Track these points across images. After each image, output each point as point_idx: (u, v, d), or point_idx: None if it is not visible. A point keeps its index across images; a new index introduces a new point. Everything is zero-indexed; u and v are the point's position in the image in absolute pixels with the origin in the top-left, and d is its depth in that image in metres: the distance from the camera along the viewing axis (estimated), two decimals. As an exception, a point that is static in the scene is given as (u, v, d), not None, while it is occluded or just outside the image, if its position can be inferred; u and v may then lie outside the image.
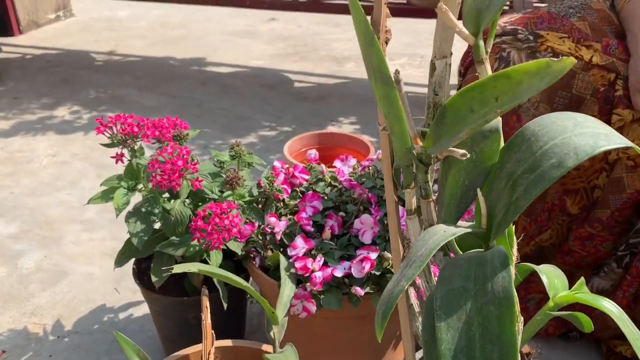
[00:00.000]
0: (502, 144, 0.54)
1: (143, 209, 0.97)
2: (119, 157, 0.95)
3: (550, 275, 0.67)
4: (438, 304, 0.48)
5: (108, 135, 0.96)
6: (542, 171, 0.48)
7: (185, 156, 0.89)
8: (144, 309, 1.27)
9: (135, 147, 0.97)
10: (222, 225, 0.86)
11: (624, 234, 1.08)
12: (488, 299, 0.47)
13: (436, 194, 0.61)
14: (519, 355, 0.45)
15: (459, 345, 0.46)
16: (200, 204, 0.99)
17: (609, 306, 0.61)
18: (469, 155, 0.49)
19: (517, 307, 0.48)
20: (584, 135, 0.49)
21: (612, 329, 1.09)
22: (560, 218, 1.14)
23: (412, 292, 0.70)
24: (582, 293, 0.65)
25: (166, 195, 1.03)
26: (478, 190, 0.53)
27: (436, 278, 0.63)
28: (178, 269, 0.73)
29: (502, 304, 0.46)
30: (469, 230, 0.54)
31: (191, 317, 1.02)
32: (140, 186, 0.98)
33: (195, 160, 0.91)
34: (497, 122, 0.54)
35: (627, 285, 1.05)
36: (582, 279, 0.66)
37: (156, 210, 0.96)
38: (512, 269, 0.58)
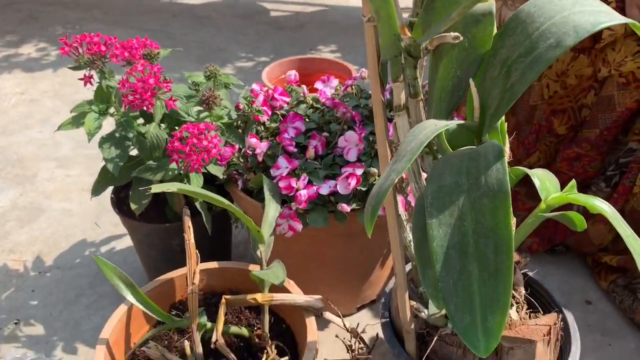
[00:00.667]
0: (495, 30, 0.51)
1: (117, 134, 0.92)
2: (87, 79, 0.90)
3: (542, 178, 0.65)
4: (429, 201, 0.46)
5: (74, 56, 0.91)
6: (538, 53, 0.45)
7: (157, 74, 0.84)
8: (126, 242, 1.25)
9: (105, 70, 0.92)
10: (201, 146, 0.83)
11: (611, 153, 1.07)
12: (482, 193, 0.44)
13: (425, 94, 0.58)
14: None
15: (452, 242, 0.44)
16: (176, 127, 0.95)
17: (602, 205, 0.60)
18: (461, 38, 0.45)
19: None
20: (584, 13, 0.45)
21: (597, 245, 1.10)
22: (548, 139, 1.12)
23: (400, 201, 0.67)
24: (574, 194, 0.63)
25: (141, 121, 0.98)
26: (470, 80, 0.50)
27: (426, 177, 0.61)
28: (157, 188, 0.70)
29: (496, 196, 0.44)
30: (461, 122, 0.51)
31: (175, 244, 1.00)
32: (112, 110, 0.93)
33: (168, 79, 0.86)
34: (491, 5, 0.50)
35: (613, 202, 1.04)
36: (573, 181, 0.65)
37: (131, 135, 0.91)
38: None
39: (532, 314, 0.69)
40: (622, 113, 1.00)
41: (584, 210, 0.62)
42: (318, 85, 1.12)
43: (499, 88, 0.48)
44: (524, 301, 0.70)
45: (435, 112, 0.54)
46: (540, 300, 0.76)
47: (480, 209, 0.43)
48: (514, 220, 0.59)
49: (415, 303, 0.68)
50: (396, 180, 0.44)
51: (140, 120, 0.98)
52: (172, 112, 0.93)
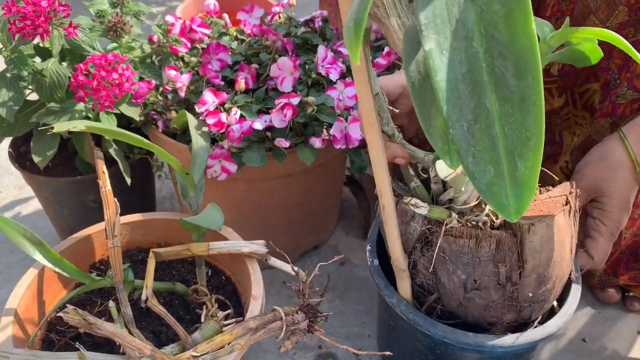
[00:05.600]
0: None
1: (8, 74, 0.78)
2: (-38, 7, 0.74)
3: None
4: (423, 22, 0.34)
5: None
6: None
7: (50, -5, 0.70)
8: (33, 205, 1.10)
9: (-16, -4, 0.76)
10: (110, 79, 0.71)
11: None
12: (490, -4, 0.32)
13: None
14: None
15: (459, 72, 0.33)
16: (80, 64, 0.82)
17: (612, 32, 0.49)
18: None
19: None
20: None
21: None
22: None
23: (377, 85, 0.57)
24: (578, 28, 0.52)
25: (38, 60, 0.84)
26: None
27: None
28: (60, 127, 0.58)
29: (509, -3, 0.31)
30: None
31: (90, 199, 0.88)
32: (-1, 46, 0.78)
33: (65, 2, 0.72)
34: None
35: None
36: (567, 19, 0.55)
37: (25, 73, 0.77)
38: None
39: (541, 189, 0.62)
40: None
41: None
42: (241, 15, 1.01)
43: None
44: None
45: None
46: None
47: (491, 19, 0.33)
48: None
49: (410, 198, 0.59)
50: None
51: (38, 60, 0.84)
52: (73, 45, 0.80)
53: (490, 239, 0.54)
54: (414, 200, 0.59)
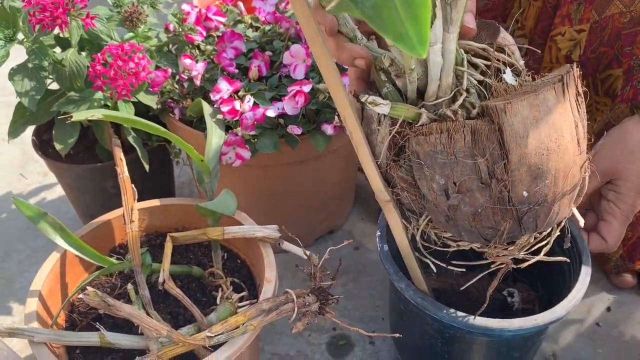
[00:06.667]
0: None
1: (30, 65, 0.80)
2: (-16, 0, 0.77)
3: None
4: None
5: (-34, -26, 0.77)
6: None
7: (68, -13, 0.72)
8: (57, 191, 1.14)
9: (6, -11, 0.78)
10: (127, 68, 0.72)
11: None
12: None
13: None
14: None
15: None
16: (98, 53, 0.84)
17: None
18: None
19: None
20: None
21: None
22: None
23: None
24: None
25: (58, 50, 0.86)
26: None
27: None
28: (79, 115, 0.60)
29: None
30: None
31: (110, 185, 0.90)
32: (20, 37, 0.81)
33: (83, -7, 0.74)
34: None
35: None
36: None
37: (45, 63, 0.80)
38: None
39: (535, 75, 0.54)
40: None
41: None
42: (256, 3, 1.02)
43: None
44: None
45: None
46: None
47: None
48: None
49: (368, 96, 0.52)
50: None
51: (58, 50, 0.86)
52: (91, 35, 0.82)
53: (464, 130, 0.48)
54: (372, 98, 0.52)
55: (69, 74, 0.79)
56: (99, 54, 0.73)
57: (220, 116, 0.79)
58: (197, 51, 0.91)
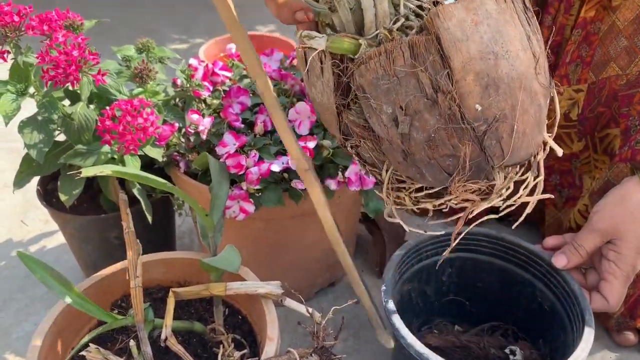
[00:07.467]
0: None
1: (39, 117, 0.82)
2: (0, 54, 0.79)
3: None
4: None
5: (-18, 30, 0.79)
6: None
7: (81, 45, 0.74)
8: (58, 239, 1.14)
9: (20, 44, 0.81)
10: (136, 123, 0.74)
11: None
12: None
13: None
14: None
15: None
16: (107, 108, 0.85)
17: None
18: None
19: None
20: None
21: None
22: None
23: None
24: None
25: (67, 103, 0.88)
26: None
27: None
28: (87, 171, 0.61)
29: None
30: None
31: (113, 236, 0.91)
32: (32, 90, 0.82)
33: (95, 50, 0.76)
34: None
35: None
36: None
37: (55, 117, 0.81)
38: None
39: None
40: None
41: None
42: (261, 58, 1.04)
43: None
44: None
45: None
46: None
47: None
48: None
49: (302, 31, 0.51)
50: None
51: (67, 103, 0.88)
52: (101, 89, 0.84)
53: (401, 47, 0.46)
54: (306, 32, 0.50)
55: (77, 128, 0.80)
56: (108, 109, 0.75)
57: (225, 170, 0.80)
58: (203, 105, 0.93)
